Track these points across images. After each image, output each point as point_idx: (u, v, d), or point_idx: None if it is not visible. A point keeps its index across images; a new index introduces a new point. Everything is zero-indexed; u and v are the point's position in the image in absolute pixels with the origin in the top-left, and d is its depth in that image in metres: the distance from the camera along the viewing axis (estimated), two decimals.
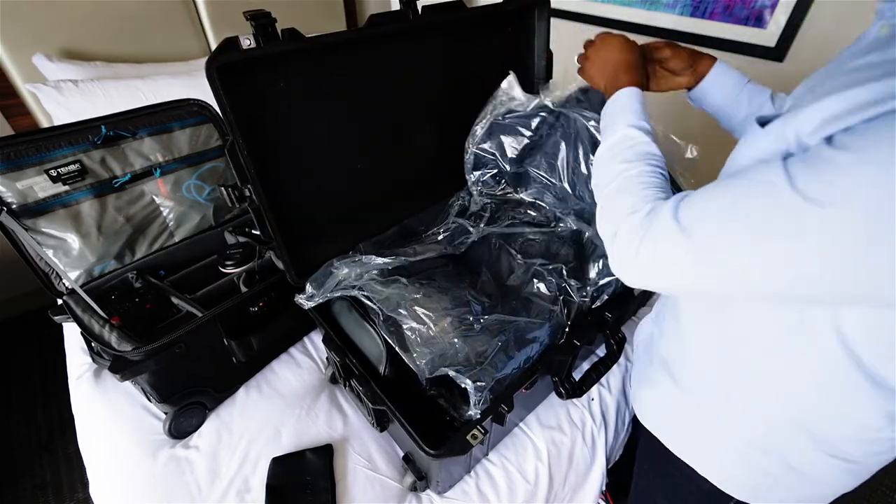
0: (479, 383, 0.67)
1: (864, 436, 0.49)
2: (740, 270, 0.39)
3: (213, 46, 1.03)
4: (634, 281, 0.49)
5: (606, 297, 0.85)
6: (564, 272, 0.87)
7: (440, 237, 0.96)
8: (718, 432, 0.60)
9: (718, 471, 0.62)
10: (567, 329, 0.82)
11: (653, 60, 0.73)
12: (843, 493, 0.57)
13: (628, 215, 0.48)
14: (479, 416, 0.68)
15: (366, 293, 0.77)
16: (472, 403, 0.67)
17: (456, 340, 0.73)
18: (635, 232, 0.46)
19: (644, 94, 0.62)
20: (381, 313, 0.75)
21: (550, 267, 0.89)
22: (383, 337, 0.77)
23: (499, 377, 0.71)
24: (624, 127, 0.56)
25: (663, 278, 0.46)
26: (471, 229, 0.95)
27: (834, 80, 0.38)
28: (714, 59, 0.73)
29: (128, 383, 0.91)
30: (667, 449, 0.67)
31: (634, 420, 0.99)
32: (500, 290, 0.90)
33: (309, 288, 0.77)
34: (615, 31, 0.70)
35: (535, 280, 0.88)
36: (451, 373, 0.68)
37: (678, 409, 0.65)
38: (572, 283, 0.85)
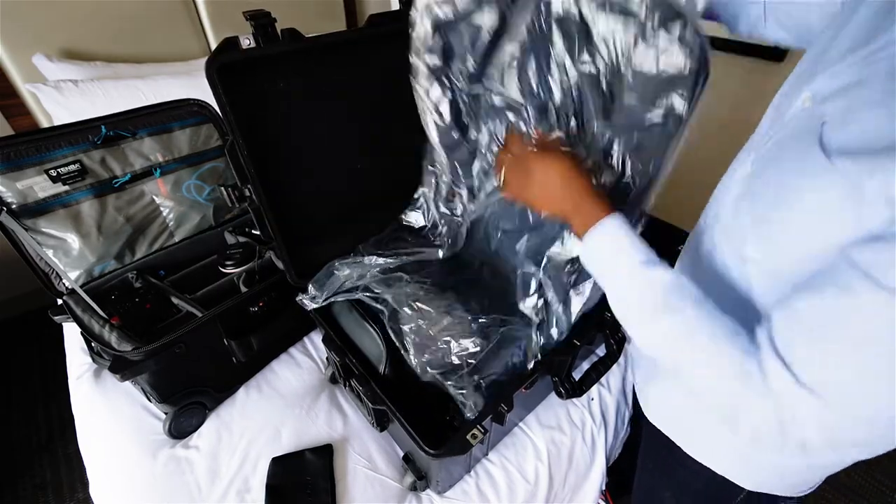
0: (461, 391, 0.67)
1: None
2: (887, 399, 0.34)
3: (213, 46, 1.03)
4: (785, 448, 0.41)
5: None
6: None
7: (435, 232, 0.94)
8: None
9: (728, 464, 0.62)
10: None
11: None
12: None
13: (738, 393, 0.41)
14: (473, 418, 0.68)
15: (369, 293, 0.76)
16: (464, 409, 0.67)
17: (451, 341, 0.73)
18: (765, 419, 0.39)
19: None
20: (386, 312, 0.74)
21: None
22: (383, 337, 0.77)
23: (493, 379, 0.71)
24: (639, 268, 0.48)
25: (807, 437, 0.38)
26: (458, 217, 0.88)
27: None
28: None
29: (128, 383, 0.91)
30: (672, 445, 0.67)
31: (635, 419, 0.99)
32: (498, 282, 0.89)
33: (312, 289, 0.77)
34: (548, 143, 0.61)
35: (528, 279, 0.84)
36: (439, 378, 0.67)
37: (686, 406, 0.65)
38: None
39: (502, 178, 0.63)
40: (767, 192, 0.46)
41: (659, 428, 0.70)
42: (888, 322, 0.32)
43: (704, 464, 0.63)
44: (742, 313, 0.46)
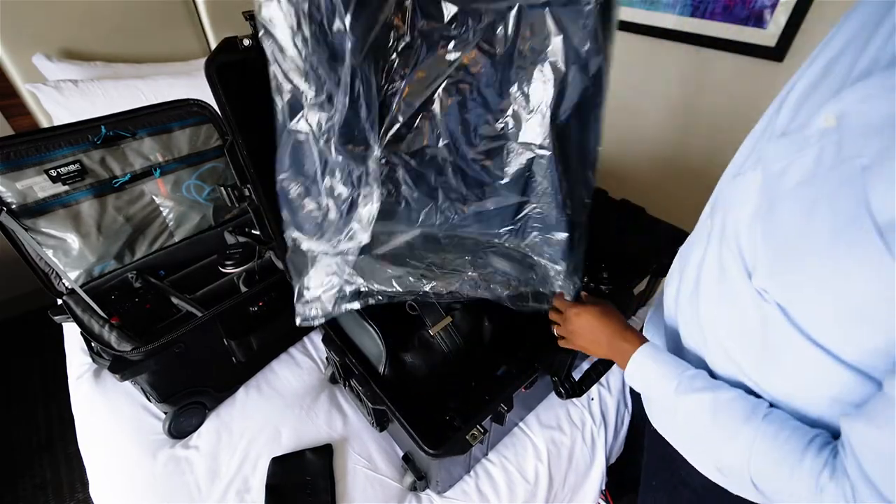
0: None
1: None
2: None
3: (213, 46, 1.03)
4: None
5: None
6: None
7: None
8: None
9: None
10: None
11: None
12: None
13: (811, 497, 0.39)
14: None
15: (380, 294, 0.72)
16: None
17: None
18: None
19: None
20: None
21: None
22: (383, 337, 0.77)
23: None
24: (672, 397, 0.51)
25: None
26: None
27: None
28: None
29: (127, 383, 0.91)
30: (676, 463, 0.64)
31: (637, 428, 0.98)
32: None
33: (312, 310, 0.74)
34: (584, 300, 0.70)
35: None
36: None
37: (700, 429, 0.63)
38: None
39: (556, 333, 0.73)
40: (790, 231, 0.38)
41: (666, 437, 0.67)
42: None
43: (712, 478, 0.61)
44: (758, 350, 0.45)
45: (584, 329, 0.66)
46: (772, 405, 0.46)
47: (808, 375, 0.41)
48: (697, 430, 0.50)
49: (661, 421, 0.57)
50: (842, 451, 0.38)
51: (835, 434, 0.42)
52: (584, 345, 0.68)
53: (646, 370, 0.56)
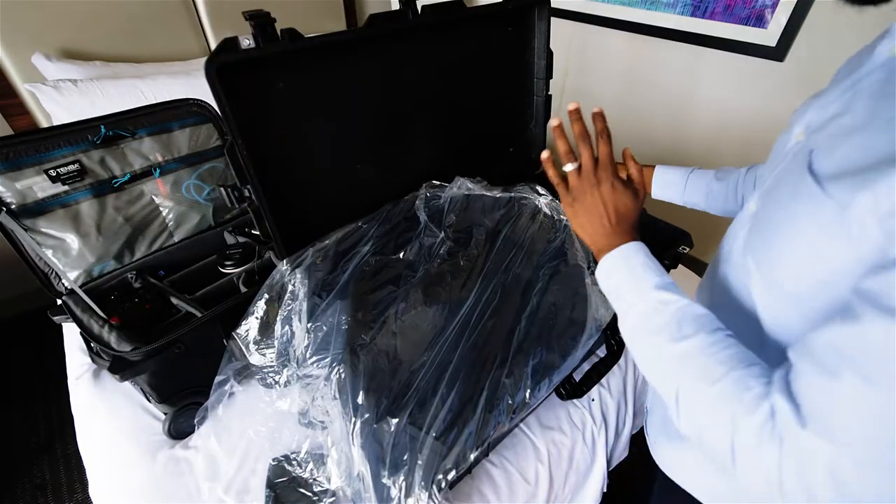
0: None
1: None
2: None
3: (213, 46, 1.03)
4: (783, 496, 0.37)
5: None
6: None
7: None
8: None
9: None
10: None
11: None
12: None
13: (744, 417, 0.38)
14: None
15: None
16: None
17: None
18: (768, 443, 0.35)
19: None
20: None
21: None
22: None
23: None
24: (652, 290, 0.48)
25: (817, 493, 0.34)
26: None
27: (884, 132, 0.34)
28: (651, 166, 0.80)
29: (127, 384, 0.91)
30: (690, 495, 0.64)
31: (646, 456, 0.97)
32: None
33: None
34: (633, 176, 0.62)
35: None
36: None
37: (707, 469, 0.60)
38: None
39: (566, 168, 0.60)
40: (767, 226, 0.46)
41: (672, 479, 0.67)
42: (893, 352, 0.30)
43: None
44: (760, 353, 0.44)
45: (607, 205, 0.56)
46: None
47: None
48: (655, 328, 0.47)
49: (624, 321, 0.51)
50: (778, 368, 0.38)
51: None
52: (586, 216, 0.58)
53: (632, 258, 0.52)
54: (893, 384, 0.30)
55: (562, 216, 0.89)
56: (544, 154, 0.63)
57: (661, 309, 0.47)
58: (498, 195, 0.93)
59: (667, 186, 0.80)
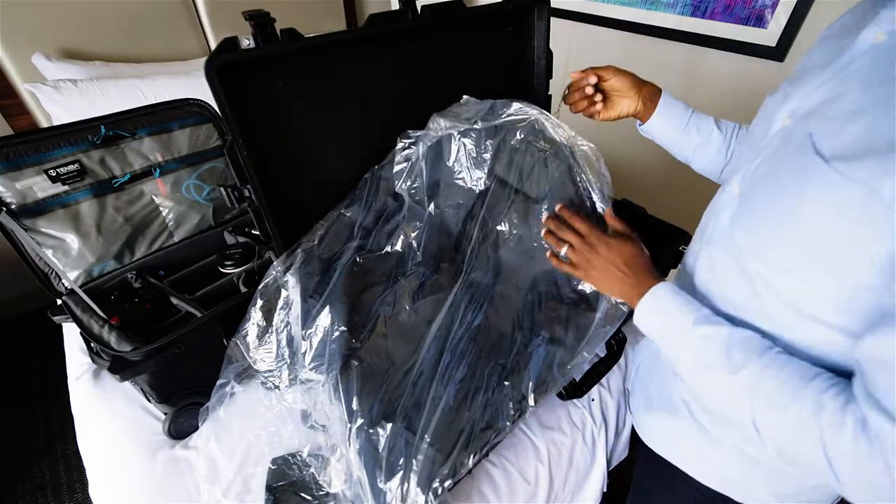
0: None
1: None
2: None
3: (213, 46, 1.03)
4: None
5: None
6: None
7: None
8: (735, 455, 0.58)
9: (731, 483, 0.61)
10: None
11: (602, 88, 0.74)
12: None
13: (833, 436, 0.39)
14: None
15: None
16: None
17: None
18: (869, 455, 0.36)
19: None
20: None
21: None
22: None
23: None
24: (691, 327, 0.50)
25: None
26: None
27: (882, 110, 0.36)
28: (657, 87, 0.75)
29: (127, 384, 0.91)
30: (670, 470, 0.66)
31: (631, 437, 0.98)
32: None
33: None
34: (616, 227, 0.67)
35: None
36: None
37: (696, 440, 0.62)
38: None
39: (564, 253, 0.68)
40: (764, 208, 0.47)
41: (660, 454, 0.69)
42: None
43: (712, 487, 0.62)
44: (757, 318, 0.47)
45: (613, 261, 0.61)
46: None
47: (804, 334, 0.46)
48: (707, 361, 0.49)
49: (677, 362, 0.54)
50: (854, 378, 0.40)
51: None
52: (602, 277, 0.63)
53: (666, 301, 0.54)
54: None
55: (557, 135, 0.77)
56: (547, 254, 0.72)
57: (707, 343, 0.49)
58: (479, 126, 0.82)
59: (670, 115, 0.74)
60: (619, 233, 0.66)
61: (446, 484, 0.60)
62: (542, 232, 0.72)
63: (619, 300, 0.65)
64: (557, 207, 0.72)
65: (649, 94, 0.74)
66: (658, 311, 0.55)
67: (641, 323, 0.57)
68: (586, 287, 0.77)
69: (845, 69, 0.42)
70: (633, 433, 1.00)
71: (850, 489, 0.39)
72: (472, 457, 0.63)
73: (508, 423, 0.67)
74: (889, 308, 0.36)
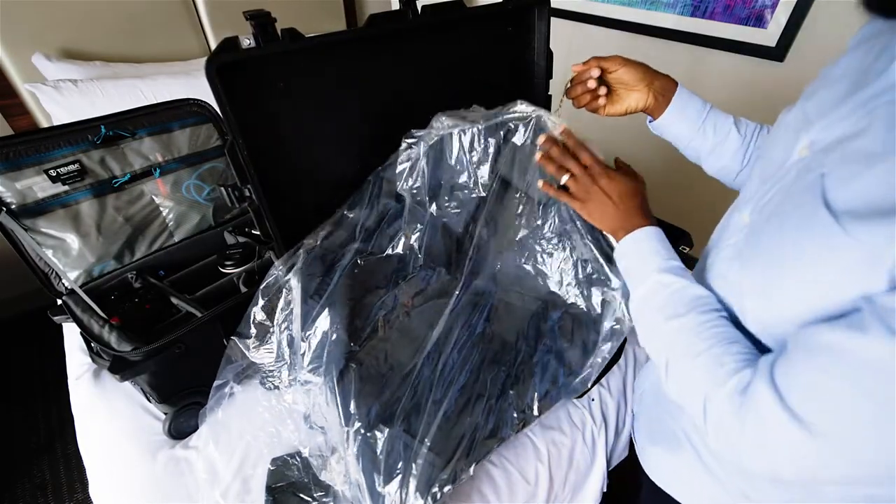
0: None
1: None
2: (881, 459, 0.33)
3: (213, 46, 1.03)
4: (743, 462, 0.42)
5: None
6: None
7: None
8: (740, 500, 0.56)
9: None
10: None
11: (607, 80, 0.69)
12: None
13: (714, 387, 0.41)
14: None
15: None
16: None
17: None
18: (732, 414, 0.39)
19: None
20: None
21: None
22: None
23: None
24: (655, 273, 0.52)
25: (777, 467, 0.39)
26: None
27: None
28: (673, 80, 0.68)
29: (127, 384, 0.91)
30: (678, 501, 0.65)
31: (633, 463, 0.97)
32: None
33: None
34: (622, 165, 0.66)
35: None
36: None
37: (699, 475, 0.60)
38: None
39: (564, 182, 0.65)
40: (768, 250, 0.43)
41: (661, 487, 0.67)
42: (890, 371, 0.30)
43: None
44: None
45: (610, 193, 0.60)
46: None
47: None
48: (654, 306, 0.51)
49: (632, 299, 0.56)
50: (768, 354, 0.41)
51: None
52: (597, 209, 0.61)
53: (644, 243, 0.56)
54: (882, 399, 0.31)
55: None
56: (540, 182, 0.69)
57: (660, 290, 0.51)
58: (482, 126, 0.80)
59: (684, 112, 0.68)
60: (623, 170, 0.64)
61: (446, 489, 0.60)
62: (538, 157, 0.67)
63: (614, 290, 0.66)
64: (560, 130, 0.66)
65: (662, 87, 0.68)
66: (633, 251, 0.57)
67: (618, 256, 0.59)
68: (593, 301, 0.76)
69: (873, 102, 0.37)
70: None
71: (712, 441, 0.44)
72: (473, 465, 0.64)
73: (513, 433, 0.67)
74: (856, 311, 0.34)
